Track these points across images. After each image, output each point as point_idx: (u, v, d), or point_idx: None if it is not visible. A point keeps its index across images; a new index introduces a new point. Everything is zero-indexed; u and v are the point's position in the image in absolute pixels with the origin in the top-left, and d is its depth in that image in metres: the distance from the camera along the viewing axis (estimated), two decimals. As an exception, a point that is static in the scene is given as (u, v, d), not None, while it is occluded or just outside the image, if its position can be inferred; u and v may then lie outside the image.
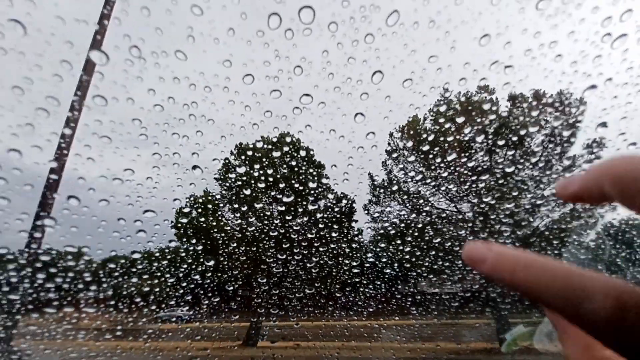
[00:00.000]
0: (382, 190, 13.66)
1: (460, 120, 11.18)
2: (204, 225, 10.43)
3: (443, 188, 12.30)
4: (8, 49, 4.93)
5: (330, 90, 6.17)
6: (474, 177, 11.04)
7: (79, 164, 6.78)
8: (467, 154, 11.65)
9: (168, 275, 8.56)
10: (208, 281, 9.29)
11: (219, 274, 9.98)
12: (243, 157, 11.72)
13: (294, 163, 11.71)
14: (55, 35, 4.88)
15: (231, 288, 10.44)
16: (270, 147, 11.24)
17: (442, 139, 11.03)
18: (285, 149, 11.49)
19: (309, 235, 10.45)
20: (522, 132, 11.04)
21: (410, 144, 13.27)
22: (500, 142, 10.99)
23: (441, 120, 12.07)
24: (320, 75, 5.90)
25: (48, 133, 6.03)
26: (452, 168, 11.99)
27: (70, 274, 8.33)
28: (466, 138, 11.14)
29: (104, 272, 8.33)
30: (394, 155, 13.68)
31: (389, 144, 14.12)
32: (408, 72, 5.69)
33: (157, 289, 9.07)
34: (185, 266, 8.84)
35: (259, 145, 11.27)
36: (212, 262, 9.76)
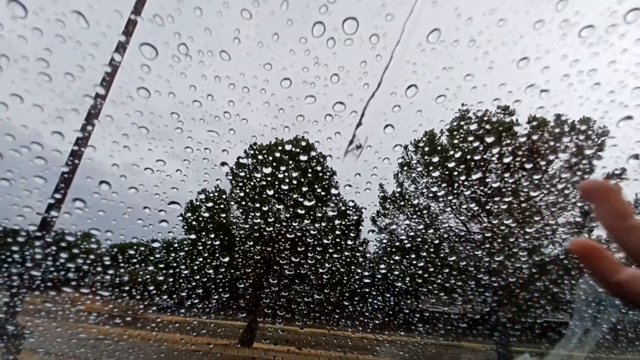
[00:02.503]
0: (397, 203, 13.60)
1: (477, 138, 11.14)
2: (224, 221, 10.61)
3: (464, 206, 12.18)
4: (66, 37, 5.23)
5: (364, 99, 6.28)
6: (495, 198, 10.93)
7: (115, 151, 7.03)
8: (484, 173, 11.54)
9: (183, 267, 8.75)
10: (220, 277, 9.44)
11: (232, 271, 10.11)
12: (269, 157, 11.85)
13: (319, 168, 11.82)
14: (111, 27, 5.16)
15: (242, 286, 10.57)
16: (297, 150, 11.37)
17: (458, 156, 10.98)
18: (313, 153, 11.62)
19: (324, 241, 10.48)
20: (544, 156, 10.91)
21: (428, 159, 13.22)
22: (521, 165, 10.88)
23: (457, 137, 11.99)
24: (355, 84, 6.02)
25: (91, 119, 6.31)
26: (470, 187, 11.89)
27: (91, 256, 8.61)
28: (482, 157, 11.07)
29: (123, 258, 8.55)
30: (406, 168, 13.60)
31: (403, 157, 14.10)
32: (442, 89, 5.76)
33: (171, 279, 9.27)
34: (200, 260, 9.02)
35: (287, 147, 11.41)
36: (227, 259, 9.91)
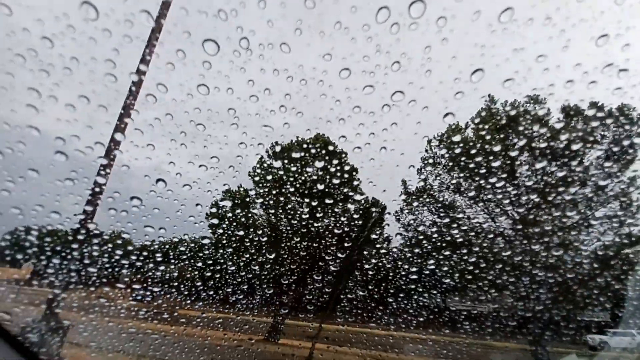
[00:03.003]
0: (426, 199, 13.04)
1: (504, 130, 10.48)
2: (273, 217, 10.62)
3: (492, 203, 11.54)
4: (134, 37, 5.33)
5: (426, 87, 6.03)
6: (558, 189, 10.24)
7: (172, 150, 7.15)
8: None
9: (230, 263, 8.85)
10: (265, 273, 9.48)
11: (277, 267, 10.13)
12: (324, 151, 11.61)
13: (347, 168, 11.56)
14: (177, 25, 5.20)
15: (285, 282, 10.57)
16: (336, 149, 11.19)
17: (486, 147, 10.36)
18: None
19: (373, 236, 10.27)
20: (577, 147, 10.08)
21: (455, 151, 12.47)
22: (554, 156, 10.14)
23: (484, 130, 11.29)
24: (417, 72, 5.79)
25: (152, 118, 6.44)
26: (518, 185, 11.25)
27: (144, 253, 8.82)
28: (512, 151, 10.42)
29: (174, 254, 8.73)
30: (431, 162, 12.92)
31: (426, 151, 13.44)
32: (511, 72, 5.42)
33: (218, 275, 9.40)
34: (247, 256, 9.09)
35: (331, 147, 11.22)
36: (273, 255, 9.93)
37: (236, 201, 11.11)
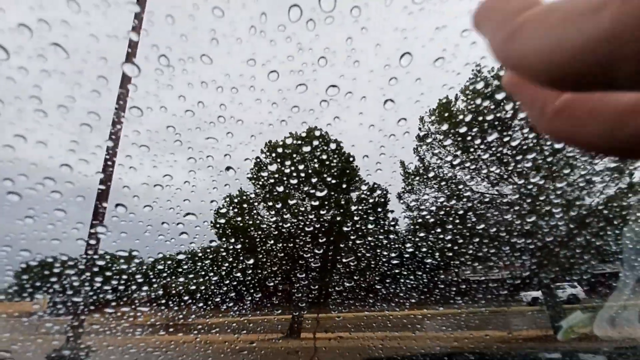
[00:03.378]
0: (416, 178, 13.17)
1: (498, 96, 10.40)
2: (241, 224, 10.69)
3: (484, 171, 11.57)
4: (51, 71, 5.24)
5: (357, 78, 5.95)
6: (518, 157, 10.25)
7: (123, 173, 7.12)
8: (507, 133, 10.85)
9: (212, 274, 8.93)
10: (249, 278, 9.56)
11: (259, 271, 10.22)
12: (274, 154, 11.78)
13: (324, 157, 11.57)
14: (91, 52, 5.10)
15: (272, 284, 10.69)
16: (299, 142, 11.19)
17: (479, 118, 10.36)
18: (315, 143, 11.38)
19: (345, 229, 10.34)
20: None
21: (444, 127, 12.61)
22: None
23: (475, 99, 11.30)
24: (345, 64, 5.70)
25: (93, 146, 6.38)
26: (493, 149, 11.24)
27: (124, 276, 8.92)
28: (507, 115, 10.36)
29: (154, 273, 8.80)
30: (427, 140, 13.06)
31: (419, 129, 13.54)
32: (439, 51, 5.31)
33: (203, 287, 9.52)
34: (226, 264, 9.16)
35: (289, 141, 11.27)
36: (251, 260, 10.02)
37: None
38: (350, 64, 5.56)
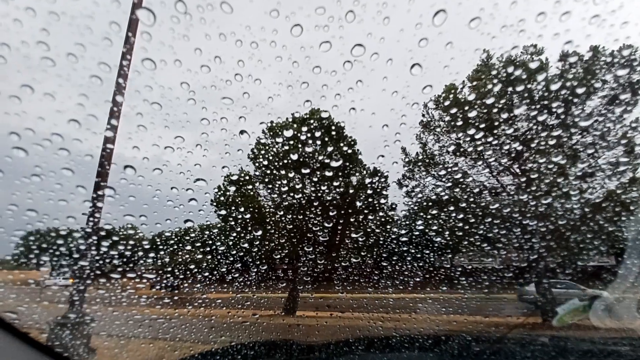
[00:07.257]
0: (431, 158, 12.79)
1: (502, 84, 10.01)
2: (251, 194, 10.50)
3: (492, 160, 11.25)
4: (60, 13, 4.91)
5: (386, 38, 5.60)
6: (542, 134, 9.91)
7: (133, 133, 6.85)
8: (514, 121, 10.48)
9: (219, 244, 8.84)
10: (256, 249, 9.49)
11: (267, 242, 10.12)
12: (290, 120, 11.35)
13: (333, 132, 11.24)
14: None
15: (278, 256, 10.64)
16: (308, 118, 10.85)
17: (484, 106, 9.97)
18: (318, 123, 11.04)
19: (357, 204, 10.17)
20: (578, 93, 9.60)
21: (450, 111, 12.12)
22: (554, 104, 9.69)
23: (481, 85, 10.82)
24: (374, 20, 5.33)
25: (102, 101, 6.10)
26: (500, 136, 10.90)
27: (130, 242, 8.82)
28: (513, 102, 10.00)
29: (161, 240, 8.69)
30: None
31: (423, 115, 13.08)
32: (477, 10, 4.95)
33: (209, 257, 9.44)
34: (234, 235, 9.07)
35: (299, 116, 10.91)
36: (259, 232, 9.93)
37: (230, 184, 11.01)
38: (379, 21, 5.21)
